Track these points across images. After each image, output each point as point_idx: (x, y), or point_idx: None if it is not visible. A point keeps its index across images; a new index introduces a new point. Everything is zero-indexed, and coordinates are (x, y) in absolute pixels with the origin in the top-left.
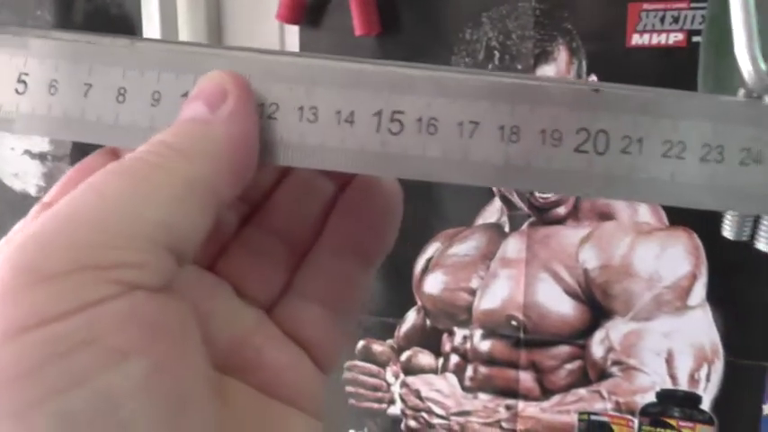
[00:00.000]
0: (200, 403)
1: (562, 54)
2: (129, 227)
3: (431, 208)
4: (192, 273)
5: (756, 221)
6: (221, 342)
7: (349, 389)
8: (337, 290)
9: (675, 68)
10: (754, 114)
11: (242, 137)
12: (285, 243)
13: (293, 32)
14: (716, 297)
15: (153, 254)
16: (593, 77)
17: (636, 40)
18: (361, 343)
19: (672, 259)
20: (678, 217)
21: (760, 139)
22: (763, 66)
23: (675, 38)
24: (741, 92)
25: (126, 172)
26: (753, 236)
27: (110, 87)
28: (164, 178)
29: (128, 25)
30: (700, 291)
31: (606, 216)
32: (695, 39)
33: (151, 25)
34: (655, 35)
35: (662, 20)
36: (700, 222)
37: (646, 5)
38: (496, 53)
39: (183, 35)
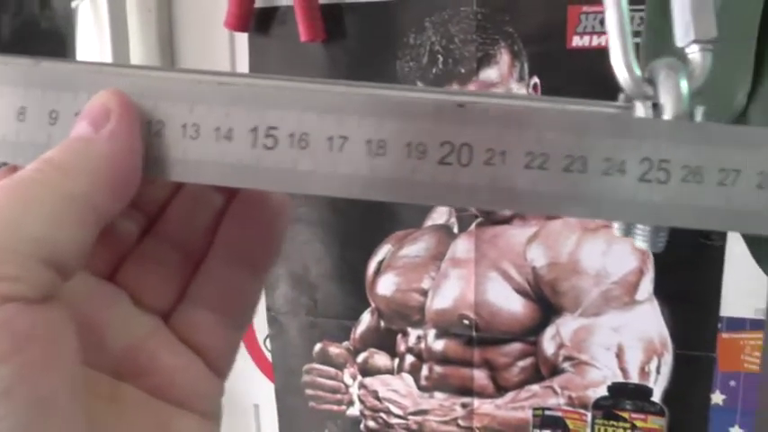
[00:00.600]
0: (66, 409)
1: (504, 57)
2: (4, 241)
3: (382, 210)
4: (87, 283)
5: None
6: (116, 349)
7: (308, 392)
8: (229, 297)
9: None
10: (616, 126)
11: (122, 154)
12: (180, 252)
13: (243, 40)
14: (663, 291)
15: (28, 267)
16: (536, 79)
17: (576, 41)
18: (318, 346)
19: (618, 255)
20: None
21: (622, 149)
22: (637, 72)
23: None
24: (621, 96)
25: (8, 188)
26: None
27: (11, 106)
28: (43, 194)
29: (58, 40)
30: (647, 285)
31: (552, 215)
32: (635, 40)
33: (102, 38)
34: (595, 37)
35: (602, 22)
36: None
37: (585, 8)
38: (440, 57)
39: (135, 47)
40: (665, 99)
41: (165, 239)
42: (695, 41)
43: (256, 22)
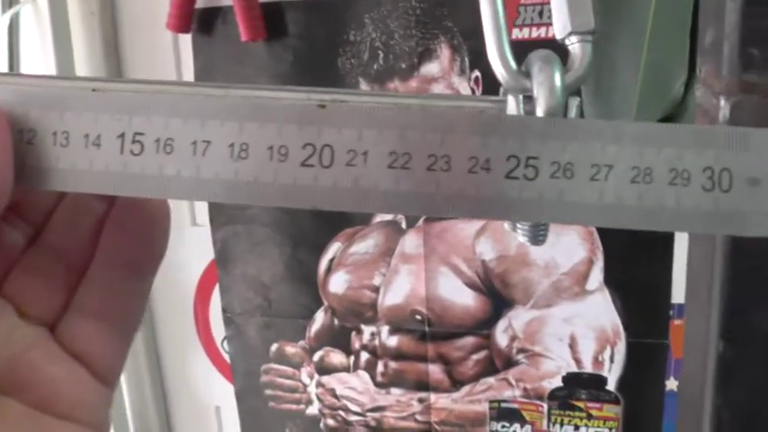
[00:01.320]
0: None
1: (444, 51)
2: None
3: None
4: None
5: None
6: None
7: (268, 392)
8: (113, 304)
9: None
10: (481, 124)
11: None
12: (64, 261)
13: (188, 41)
14: (613, 280)
15: None
16: (477, 73)
17: (516, 34)
18: (274, 346)
19: (567, 246)
20: None
21: (487, 147)
22: (512, 65)
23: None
24: (502, 90)
25: None
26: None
27: None
28: None
29: None
30: (597, 275)
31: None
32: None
33: (45, 42)
34: (534, 29)
35: (540, 14)
36: None
37: (523, 0)
38: (380, 53)
39: (79, 52)
40: (539, 92)
41: (50, 249)
42: (573, 33)
43: (199, 23)
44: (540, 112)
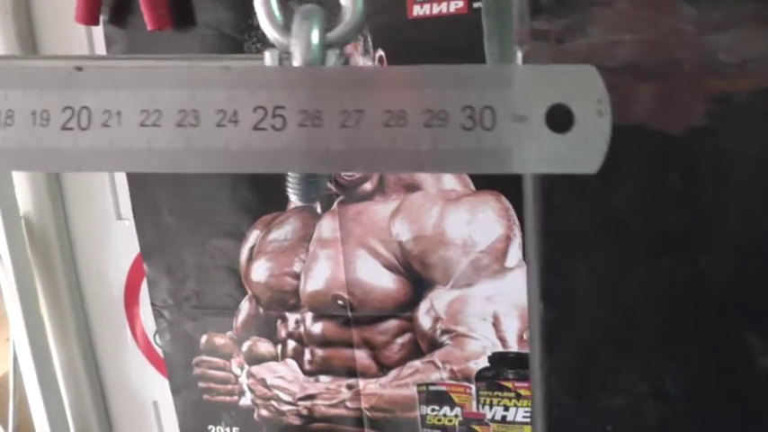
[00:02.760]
0: None
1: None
2: None
3: (248, 195)
4: None
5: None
6: None
7: (201, 384)
8: None
9: (460, 35)
10: (226, 78)
11: None
12: None
13: (100, 33)
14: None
15: None
16: (381, 52)
17: (417, 11)
18: (204, 337)
19: (483, 223)
20: (484, 181)
21: (234, 99)
22: (278, 20)
23: (456, 5)
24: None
25: None
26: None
27: None
28: None
29: None
30: (516, 252)
31: (412, 187)
32: (476, 5)
33: None
34: (435, 5)
35: None
36: (506, 184)
37: None
38: None
39: None
40: (294, 47)
41: None
42: None
43: (109, 14)
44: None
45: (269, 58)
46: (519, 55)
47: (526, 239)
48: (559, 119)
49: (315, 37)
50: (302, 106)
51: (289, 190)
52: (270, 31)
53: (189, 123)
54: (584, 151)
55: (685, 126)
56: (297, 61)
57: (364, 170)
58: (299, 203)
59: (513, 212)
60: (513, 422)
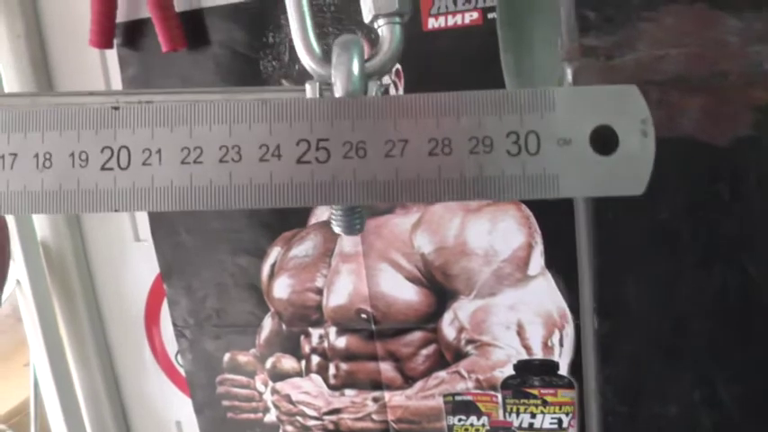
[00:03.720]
0: None
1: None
2: None
3: (267, 212)
4: None
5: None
6: None
7: (225, 403)
8: None
9: (476, 47)
10: (267, 112)
11: None
12: None
13: (114, 56)
14: (555, 263)
15: None
16: (397, 65)
17: (432, 23)
18: (227, 356)
19: (505, 233)
20: None
21: (276, 133)
22: (316, 51)
23: (471, 17)
24: (309, 85)
25: None
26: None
27: None
28: None
29: None
30: (538, 259)
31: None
32: (491, 15)
33: None
34: (450, 17)
35: (455, 1)
36: None
37: None
38: None
39: (7, 74)
40: (336, 78)
41: None
42: (378, 16)
43: (122, 37)
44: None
45: (309, 90)
46: (568, 71)
47: (578, 254)
48: (604, 140)
49: (355, 68)
50: (346, 138)
51: (332, 223)
52: (308, 63)
53: (231, 159)
54: (629, 173)
55: (732, 137)
56: (338, 92)
57: (410, 200)
58: (321, 219)
59: (533, 220)
60: (541, 429)
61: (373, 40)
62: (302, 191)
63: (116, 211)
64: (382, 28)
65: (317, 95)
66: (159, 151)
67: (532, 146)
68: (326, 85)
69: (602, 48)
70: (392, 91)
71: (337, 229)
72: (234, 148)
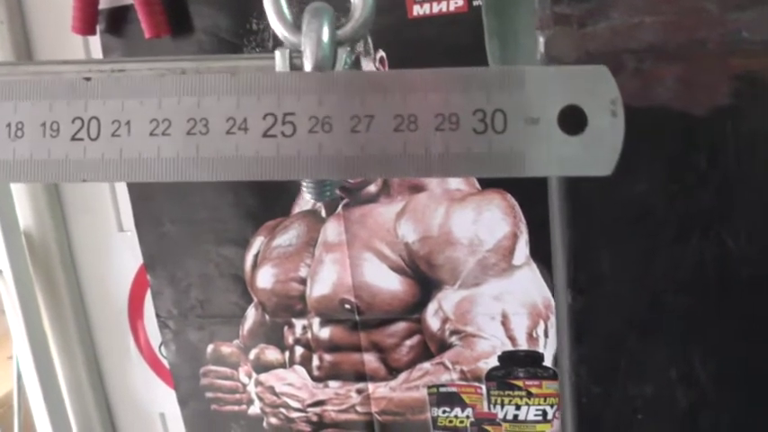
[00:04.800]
0: None
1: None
2: None
3: (251, 201)
4: None
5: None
6: None
7: (208, 394)
8: None
9: (461, 34)
10: (234, 85)
11: None
12: None
13: (97, 42)
14: (540, 253)
15: None
16: (381, 53)
17: (417, 10)
18: (210, 347)
19: (489, 222)
20: (489, 180)
21: (244, 107)
22: (288, 18)
23: (456, 4)
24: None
25: None
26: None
27: None
28: None
29: None
30: (523, 249)
31: (417, 188)
32: (476, 2)
33: None
34: (435, 3)
35: None
36: (511, 182)
37: None
38: None
39: None
40: (305, 46)
41: None
42: None
43: (106, 23)
44: (307, 66)
45: (279, 57)
46: (541, 41)
47: (551, 229)
48: (572, 120)
49: (325, 35)
50: (312, 112)
51: (303, 189)
52: (280, 30)
53: (198, 131)
54: (597, 153)
55: (710, 106)
56: (307, 59)
57: (375, 175)
58: (304, 208)
59: (518, 210)
60: (525, 421)
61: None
62: (268, 164)
63: (84, 180)
64: None
65: (287, 63)
66: (129, 123)
67: (499, 124)
68: (297, 53)
69: (575, 15)
70: None
71: (308, 196)
72: (202, 121)
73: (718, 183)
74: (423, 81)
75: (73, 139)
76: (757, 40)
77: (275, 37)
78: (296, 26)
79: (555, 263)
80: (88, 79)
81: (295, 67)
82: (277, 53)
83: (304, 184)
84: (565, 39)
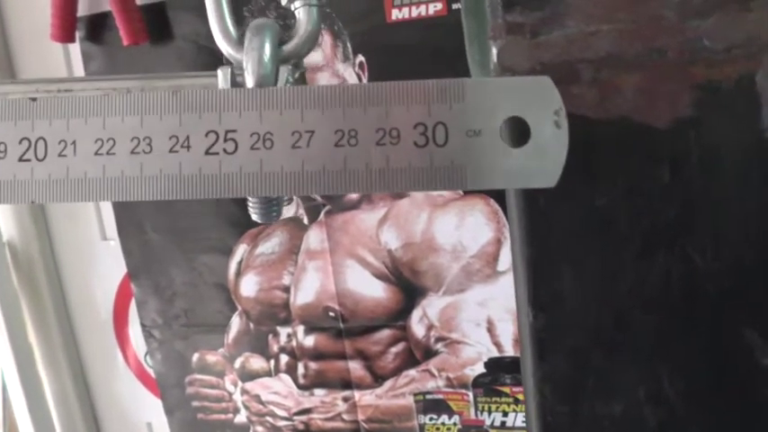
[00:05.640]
0: None
1: (326, 38)
2: None
3: (233, 209)
4: None
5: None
6: None
7: (195, 403)
8: None
9: (440, 38)
10: (178, 103)
11: None
12: None
13: (77, 49)
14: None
15: None
16: (361, 58)
17: (396, 14)
18: (195, 356)
19: (472, 228)
20: None
21: (183, 125)
22: (233, 35)
23: (435, 7)
24: (221, 71)
25: None
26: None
27: None
28: None
29: None
30: (507, 255)
31: (399, 194)
32: (455, 6)
33: None
34: (414, 8)
35: None
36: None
37: None
38: None
39: None
40: (247, 62)
41: None
42: None
43: (85, 31)
44: (249, 82)
45: (221, 75)
46: (493, 51)
47: (511, 244)
48: (515, 132)
49: (267, 52)
50: (253, 129)
51: (249, 210)
52: (224, 47)
53: (142, 150)
54: (541, 165)
55: (671, 117)
56: (249, 77)
57: (317, 192)
58: (286, 216)
59: (502, 215)
60: (513, 427)
61: (336, 32)
62: (210, 182)
63: (32, 202)
64: (299, 10)
65: (228, 80)
66: (74, 143)
67: (440, 137)
68: (240, 70)
69: (528, 24)
70: (356, 83)
71: (254, 217)
72: (145, 140)
73: (682, 196)
74: (363, 96)
75: (20, 159)
76: (719, 49)
77: None
78: (240, 43)
79: (515, 279)
80: (34, 99)
81: (237, 84)
82: (219, 71)
83: (250, 203)
84: (517, 48)
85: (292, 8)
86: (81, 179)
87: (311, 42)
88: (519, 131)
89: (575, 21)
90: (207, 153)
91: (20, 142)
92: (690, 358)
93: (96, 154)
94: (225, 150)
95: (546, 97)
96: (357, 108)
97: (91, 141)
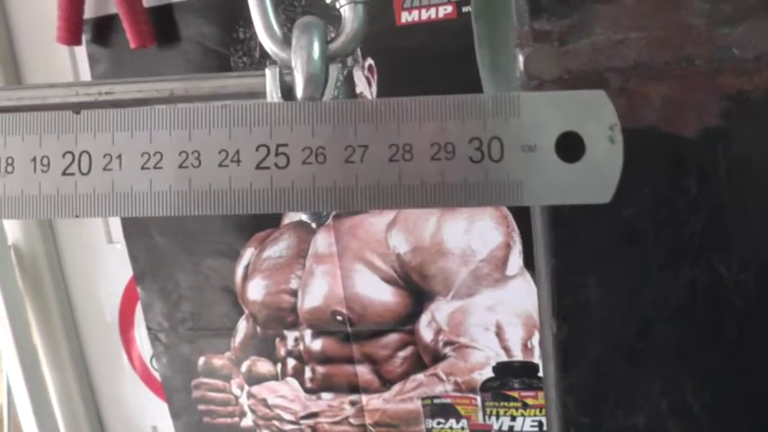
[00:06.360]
0: None
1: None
2: None
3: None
4: None
5: None
6: None
7: (201, 407)
8: None
9: (450, 41)
10: (226, 116)
11: None
12: None
13: (83, 52)
14: (534, 263)
15: None
16: (370, 61)
17: (405, 17)
18: (201, 359)
19: (482, 232)
20: None
21: (236, 139)
22: (278, 34)
23: (445, 11)
24: (270, 71)
25: None
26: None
27: None
28: None
29: None
30: (516, 259)
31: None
32: (465, 9)
33: None
34: (423, 11)
35: None
36: None
37: None
38: None
39: None
40: (295, 61)
41: None
42: None
43: (91, 33)
44: (298, 81)
45: (269, 75)
46: (520, 59)
47: (535, 255)
48: (570, 147)
49: (316, 51)
50: (305, 143)
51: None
52: (269, 45)
53: (191, 164)
54: (596, 180)
55: (700, 127)
56: (298, 75)
57: (371, 207)
58: (294, 219)
59: (511, 219)
60: None
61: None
62: (261, 197)
63: (77, 216)
64: (345, 8)
65: (277, 80)
66: (120, 156)
67: (496, 152)
68: (287, 69)
69: (555, 32)
70: (365, 86)
71: (305, 217)
72: (194, 154)
73: (709, 207)
74: (417, 109)
75: (64, 173)
76: (748, 58)
77: (262, 46)
78: (285, 42)
79: (539, 290)
80: (78, 112)
81: (286, 84)
82: (267, 71)
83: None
84: (545, 56)
85: (337, 5)
86: (127, 193)
87: (357, 40)
88: (573, 146)
89: (602, 28)
90: (258, 167)
91: (63, 156)
92: (715, 371)
93: (143, 168)
94: (276, 165)
95: (601, 111)
96: (412, 123)
97: (137, 155)
